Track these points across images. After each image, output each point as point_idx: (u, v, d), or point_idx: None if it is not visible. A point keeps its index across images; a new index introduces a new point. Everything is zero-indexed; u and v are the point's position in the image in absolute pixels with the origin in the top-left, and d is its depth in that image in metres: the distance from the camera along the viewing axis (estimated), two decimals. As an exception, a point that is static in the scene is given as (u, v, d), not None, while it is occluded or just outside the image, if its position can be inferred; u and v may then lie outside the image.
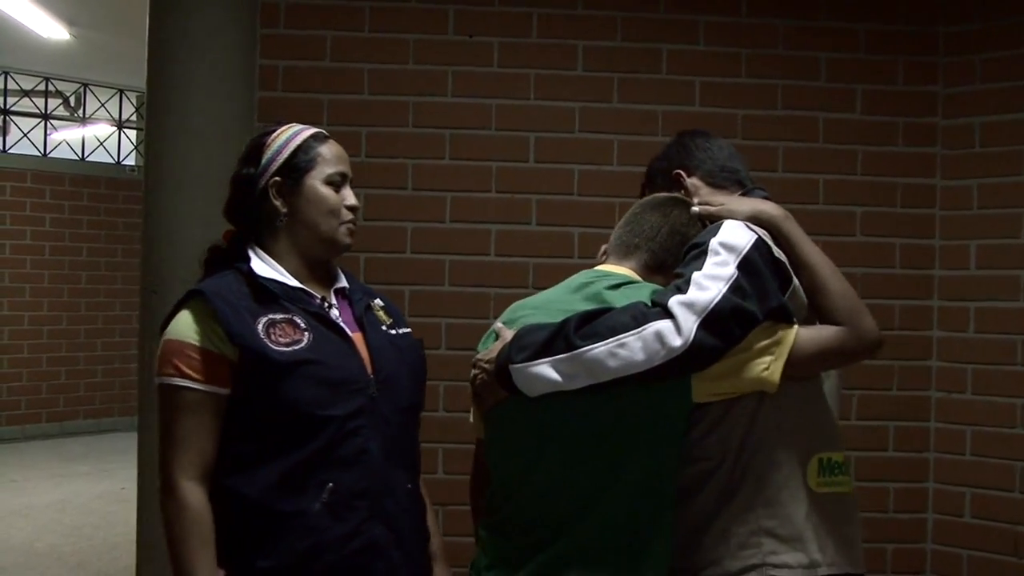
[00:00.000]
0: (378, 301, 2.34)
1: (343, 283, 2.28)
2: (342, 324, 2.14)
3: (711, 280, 1.87)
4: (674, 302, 1.83)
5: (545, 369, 1.86)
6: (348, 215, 2.20)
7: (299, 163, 2.17)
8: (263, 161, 2.16)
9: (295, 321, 2.05)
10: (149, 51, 4.14)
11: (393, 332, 2.26)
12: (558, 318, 1.92)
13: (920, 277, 4.44)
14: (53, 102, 10.21)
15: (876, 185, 4.43)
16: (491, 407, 2.02)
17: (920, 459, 4.43)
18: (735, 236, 1.97)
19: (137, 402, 4.01)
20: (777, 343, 1.89)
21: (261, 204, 2.15)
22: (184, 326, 2.04)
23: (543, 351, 1.87)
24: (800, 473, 2.01)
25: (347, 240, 2.21)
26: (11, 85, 9.85)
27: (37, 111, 10.08)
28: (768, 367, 1.87)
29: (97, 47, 8.47)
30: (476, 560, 2.07)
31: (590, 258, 4.24)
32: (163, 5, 4.11)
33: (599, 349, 1.82)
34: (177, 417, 1.98)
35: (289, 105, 4.27)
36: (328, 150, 2.24)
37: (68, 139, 10.43)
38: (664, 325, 1.81)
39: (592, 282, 2.10)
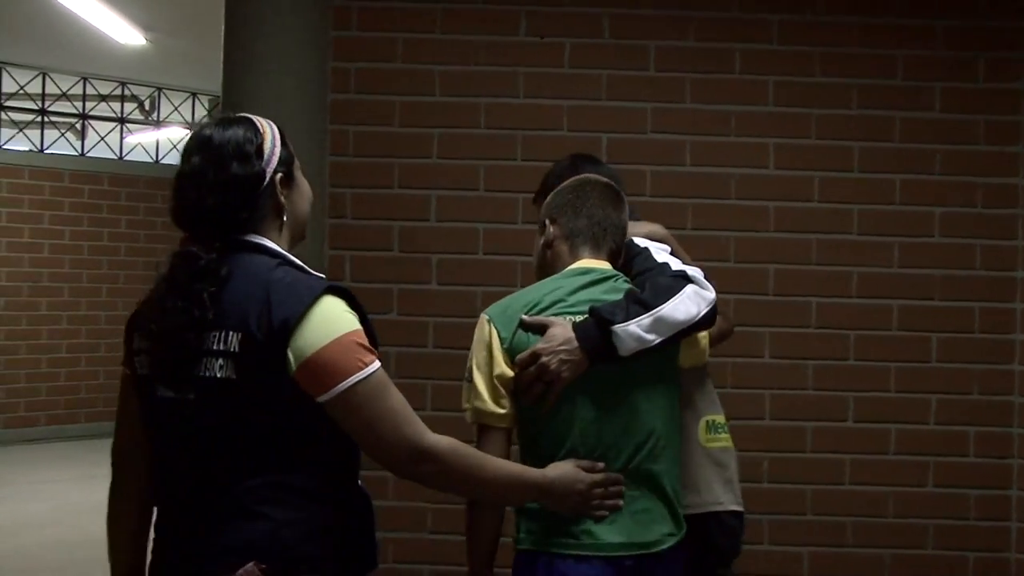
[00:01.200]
0: None
1: None
2: None
3: (688, 268, 2.42)
4: (688, 272, 2.38)
5: (635, 329, 2.21)
6: None
7: (288, 155, 2.10)
8: (265, 154, 2.01)
9: None
10: (224, 55, 4.19)
11: None
12: (585, 310, 2.28)
13: (1002, 279, 4.34)
14: (129, 106, 10.41)
15: (956, 185, 4.34)
16: (556, 397, 2.26)
17: (1003, 465, 4.33)
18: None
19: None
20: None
21: (265, 201, 1.99)
22: (348, 316, 1.91)
23: (629, 316, 2.22)
24: (695, 432, 2.64)
25: None
26: (89, 91, 10.06)
27: (114, 115, 10.28)
28: (705, 339, 2.51)
29: (172, 52, 8.61)
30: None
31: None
32: (238, 10, 4.16)
33: (668, 307, 2.26)
34: (391, 392, 1.88)
35: (361, 107, 4.30)
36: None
37: (143, 142, 10.62)
38: (695, 287, 2.34)
39: (599, 279, 2.38)
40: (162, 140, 10.71)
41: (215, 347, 1.84)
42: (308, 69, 4.17)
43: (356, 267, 4.28)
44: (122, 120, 10.35)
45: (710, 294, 2.35)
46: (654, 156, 4.32)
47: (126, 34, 7.92)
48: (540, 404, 2.26)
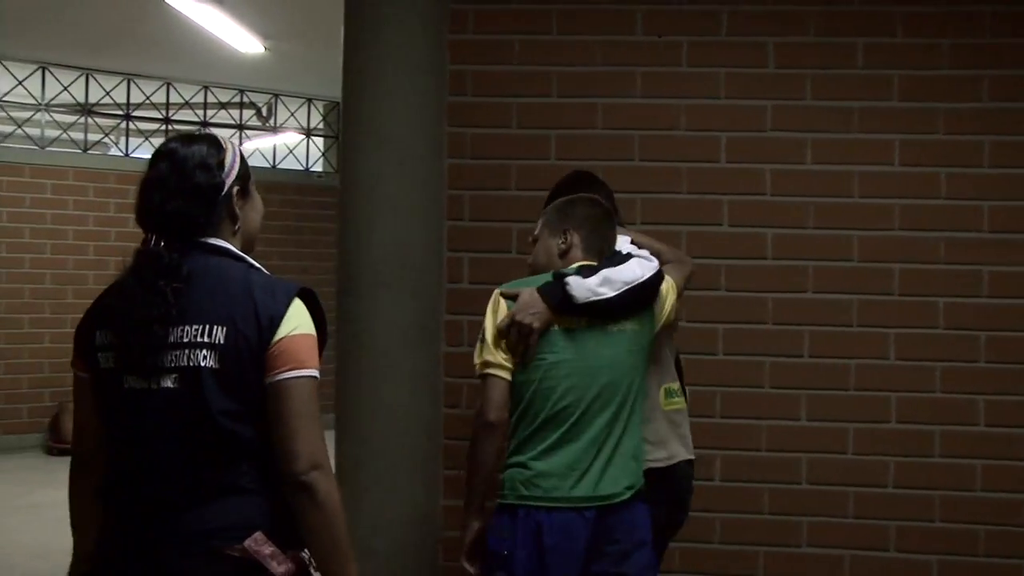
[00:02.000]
0: None
1: None
2: None
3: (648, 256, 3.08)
4: (633, 252, 3.04)
5: (585, 282, 2.81)
6: None
7: (246, 172, 2.25)
8: (226, 167, 2.19)
9: None
10: (344, 61, 4.26)
11: None
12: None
13: None
14: (247, 113, 10.67)
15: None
16: (535, 345, 2.82)
17: None
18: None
19: (334, 400, 4.13)
20: (670, 287, 3.12)
21: (222, 209, 2.17)
22: (310, 320, 2.15)
23: (581, 275, 2.84)
24: (656, 397, 3.20)
25: None
26: (210, 99, 10.34)
27: (233, 122, 10.55)
28: (671, 303, 3.12)
29: (288, 59, 8.80)
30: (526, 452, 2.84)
31: (785, 259, 4.18)
32: (357, 16, 4.22)
33: (613, 270, 2.86)
34: (317, 403, 2.09)
35: (478, 109, 4.33)
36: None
37: (260, 148, 10.88)
38: (638, 259, 2.98)
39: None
40: (279, 145, 10.95)
41: (198, 339, 2.02)
42: (425, 72, 4.20)
43: (474, 269, 4.30)
44: (241, 127, 10.61)
45: (653, 263, 2.99)
46: (774, 155, 4.25)
47: (246, 43, 8.11)
48: (525, 356, 2.82)
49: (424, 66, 4.18)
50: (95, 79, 9.63)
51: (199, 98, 10.32)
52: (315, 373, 2.07)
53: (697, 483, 3.51)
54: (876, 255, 4.21)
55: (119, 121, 10.02)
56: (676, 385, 3.34)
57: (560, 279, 2.83)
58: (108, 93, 9.77)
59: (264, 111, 10.85)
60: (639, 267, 2.91)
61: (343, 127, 4.30)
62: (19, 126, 9.53)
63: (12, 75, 9.24)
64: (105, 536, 2.09)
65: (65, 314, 9.44)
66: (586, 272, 2.85)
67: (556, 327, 2.83)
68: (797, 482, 4.23)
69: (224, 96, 10.45)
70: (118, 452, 2.10)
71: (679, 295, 3.18)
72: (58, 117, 9.73)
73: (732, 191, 4.25)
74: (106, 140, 10.42)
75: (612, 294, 2.82)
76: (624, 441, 2.84)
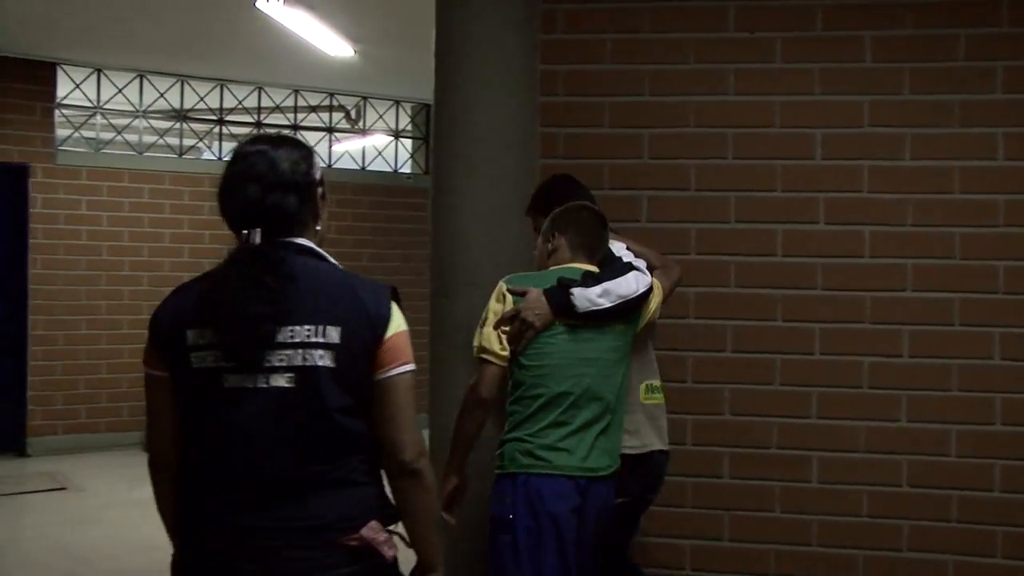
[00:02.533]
0: None
1: None
2: None
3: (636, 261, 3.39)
4: (634, 264, 3.33)
5: (587, 292, 3.11)
6: None
7: (323, 177, 2.28)
8: (315, 168, 2.23)
9: None
10: (436, 64, 4.29)
11: None
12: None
13: None
14: (336, 116, 10.79)
15: None
16: (531, 341, 3.13)
17: None
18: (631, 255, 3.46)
19: (428, 398, 4.16)
20: (656, 292, 3.42)
21: (309, 208, 2.20)
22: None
23: (584, 285, 3.13)
24: (637, 391, 3.46)
25: None
26: (300, 102, 10.49)
27: (322, 125, 10.69)
28: (655, 305, 3.44)
29: (377, 62, 8.87)
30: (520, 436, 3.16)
31: (884, 257, 4.10)
32: (448, 19, 4.25)
33: (613, 283, 3.15)
34: (415, 395, 2.23)
35: (570, 109, 4.33)
36: None
37: (349, 150, 11.00)
38: (636, 272, 3.26)
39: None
40: (367, 147, 11.06)
41: (311, 339, 2.06)
42: (517, 73, 4.21)
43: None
44: (330, 129, 10.74)
45: (647, 277, 3.29)
46: (872, 151, 4.18)
47: (336, 46, 8.20)
48: (518, 345, 3.13)
49: (516, 67, 4.19)
50: (190, 85, 9.83)
51: (289, 102, 10.47)
52: (414, 366, 2.16)
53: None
54: (979, 252, 4.11)
55: (212, 126, 10.22)
56: (658, 382, 3.62)
57: (566, 288, 3.13)
58: (202, 99, 9.96)
59: (353, 114, 10.97)
60: (635, 281, 3.22)
61: (435, 129, 4.33)
62: (119, 132, 9.77)
63: (113, 83, 9.49)
64: (195, 530, 2.12)
65: (162, 315, 9.67)
66: (590, 281, 3.16)
67: (556, 322, 3.16)
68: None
69: (314, 99, 10.59)
70: (213, 449, 2.09)
71: (664, 299, 3.55)
72: (155, 123, 9.96)
73: (828, 188, 4.19)
74: (200, 145, 10.62)
75: (608, 305, 3.14)
76: (610, 427, 3.20)
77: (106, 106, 9.61)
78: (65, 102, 9.44)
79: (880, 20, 4.18)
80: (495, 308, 3.20)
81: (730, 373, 4.23)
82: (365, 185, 10.70)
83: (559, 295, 3.12)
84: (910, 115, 4.16)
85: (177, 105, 9.88)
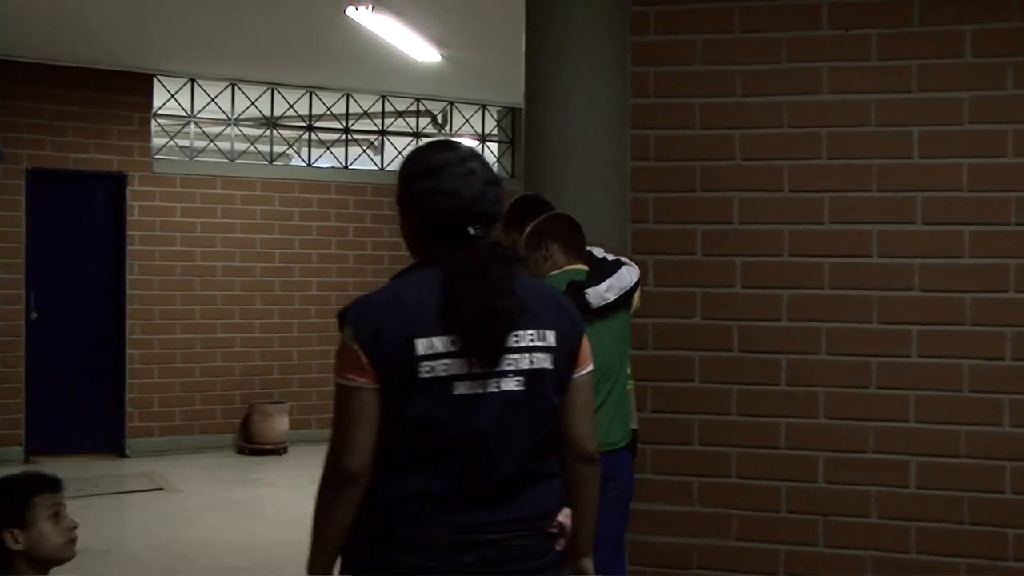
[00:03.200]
0: None
1: None
2: None
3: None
4: (623, 260, 3.70)
5: (598, 289, 3.50)
6: None
7: None
8: None
9: None
10: (526, 67, 4.31)
11: None
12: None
13: None
14: (423, 121, 10.89)
15: None
16: None
17: None
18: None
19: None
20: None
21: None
22: None
23: (593, 284, 3.49)
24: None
25: None
26: (387, 108, 10.61)
27: (409, 130, 10.79)
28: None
29: (464, 66, 8.93)
30: None
31: (984, 258, 4.01)
32: (538, 23, 4.27)
33: (615, 277, 3.55)
34: None
35: (661, 111, 4.31)
36: None
37: (436, 155, 11.09)
38: (627, 267, 3.64)
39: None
40: (453, 152, 11.14)
41: (534, 343, 2.13)
42: (608, 76, 4.22)
43: (658, 271, 4.29)
44: (417, 134, 10.84)
45: (635, 269, 3.66)
46: (972, 148, 4.09)
47: (423, 52, 8.28)
48: None
49: (607, 70, 4.20)
50: (280, 93, 10.01)
51: (377, 107, 10.59)
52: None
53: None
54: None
55: (302, 133, 10.39)
56: (629, 370, 3.88)
57: (579, 288, 3.46)
58: (291, 106, 10.13)
59: (439, 118, 11.06)
60: (628, 274, 3.62)
61: (526, 133, 4.35)
62: (211, 140, 9.99)
63: (206, 93, 9.71)
64: (401, 538, 2.10)
65: (253, 319, 9.85)
66: (595, 279, 3.53)
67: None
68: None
69: (401, 105, 10.69)
70: (441, 456, 2.09)
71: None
72: (246, 131, 10.16)
73: (926, 187, 4.11)
74: (289, 151, 10.81)
75: (615, 297, 3.54)
76: (621, 404, 3.60)
77: (199, 115, 9.83)
78: (161, 112, 9.68)
79: (980, 14, 4.09)
80: None
81: (825, 376, 4.17)
82: (452, 189, 10.77)
83: (576, 296, 3.41)
84: (1013, 111, 4.06)
85: (267, 113, 10.07)
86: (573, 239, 3.64)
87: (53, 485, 2.94)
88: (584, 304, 3.40)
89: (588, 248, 3.69)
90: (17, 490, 2.87)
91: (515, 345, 2.10)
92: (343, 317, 2.13)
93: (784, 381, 4.21)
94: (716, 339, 4.26)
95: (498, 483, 2.12)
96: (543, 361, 2.14)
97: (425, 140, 10.79)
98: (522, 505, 2.15)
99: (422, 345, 2.06)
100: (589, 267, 3.62)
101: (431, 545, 2.09)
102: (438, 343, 2.06)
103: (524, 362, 2.12)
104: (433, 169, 2.19)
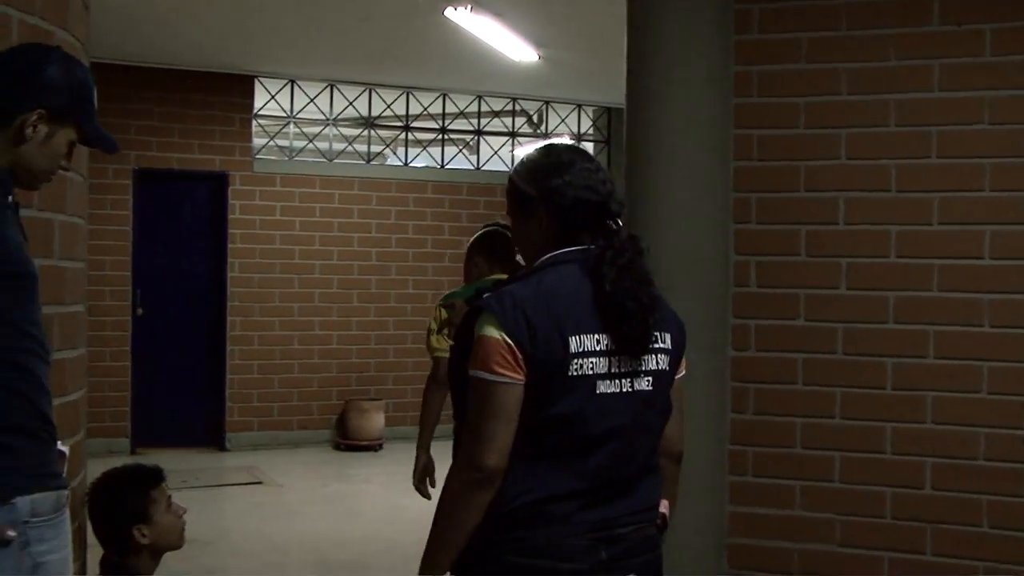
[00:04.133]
0: None
1: None
2: None
3: None
4: None
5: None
6: None
7: None
8: None
9: None
10: (628, 66, 4.29)
11: None
12: None
13: None
14: (519, 120, 10.91)
15: None
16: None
17: None
18: None
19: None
20: None
21: None
22: None
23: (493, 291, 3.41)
24: None
25: None
26: (483, 108, 10.66)
27: (505, 129, 10.83)
28: None
29: (561, 66, 8.92)
30: None
31: None
32: (641, 21, 4.24)
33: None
34: None
35: (765, 110, 4.25)
36: None
37: (531, 154, 11.10)
38: None
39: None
40: (549, 151, 11.13)
41: (659, 344, 2.20)
42: (711, 76, 4.17)
43: (761, 272, 4.23)
44: (513, 134, 10.87)
45: None
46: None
47: (520, 52, 8.30)
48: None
49: (710, 70, 4.16)
50: (377, 93, 10.12)
51: (473, 107, 10.65)
52: None
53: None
54: None
55: (399, 132, 10.50)
56: None
57: (479, 293, 3.66)
58: (389, 106, 10.25)
59: (535, 118, 11.07)
60: None
61: (627, 132, 4.33)
62: (310, 140, 10.15)
63: (305, 93, 9.87)
64: (541, 536, 2.10)
65: (350, 317, 9.98)
66: (500, 286, 3.88)
67: None
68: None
69: (497, 104, 10.74)
70: (583, 452, 2.11)
71: None
72: (344, 131, 10.31)
73: (1042, 187, 3.98)
74: (386, 151, 10.93)
75: None
76: None
77: (299, 115, 10.00)
78: (261, 113, 9.87)
79: (1100, 8, 3.95)
80: (435, 318, 4.19)
81: (934, 380, 4.07)
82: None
83: (474, 299, 3.66)
84: None
85: (365, 113, 10.19)
86: (495, 252, 4.13)
87: (160, 476, 3.03)
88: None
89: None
90: (135, 487, 2.96)
91: (652, 346, 2.18)
92: (483, 310, 2.13)
93: (890, 384, 4.11)
94: (820, 341, 4.18)
95: (632, 478, 2.20)
96: (664, 362, 2.22)
97: (521, 140, 10.89)
98: (642, 497, 2.22)
99: (574, 343, 2.08)
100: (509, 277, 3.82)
101: (572, 547, 2.11)
102: (588, 341, 2.09)
103: (653, 362, 2.19)
104: (565, 166, 2.21)
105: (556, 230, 2.19)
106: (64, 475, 2.24)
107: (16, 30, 2.42)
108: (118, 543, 2.92)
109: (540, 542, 2.10)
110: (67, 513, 2.21)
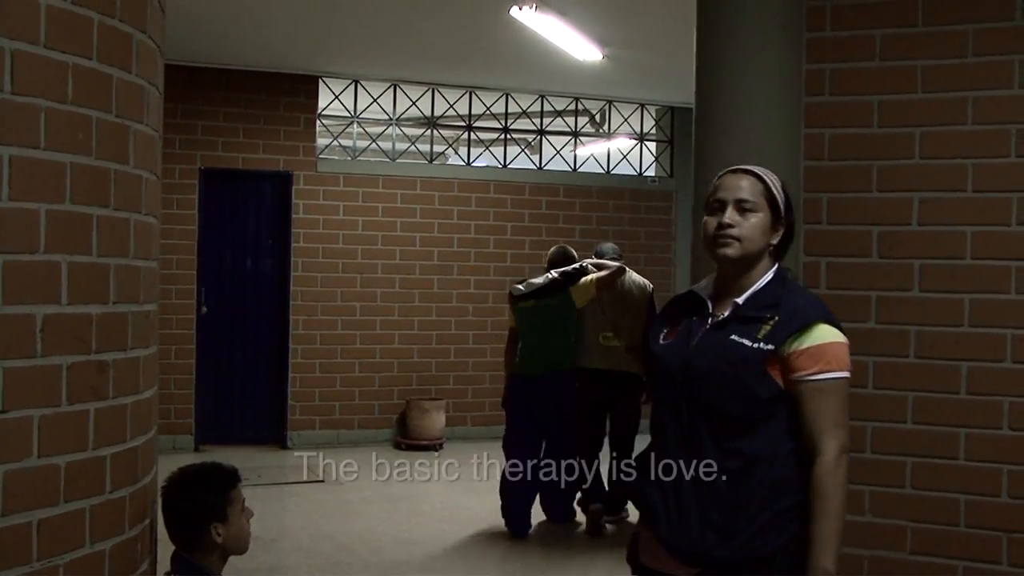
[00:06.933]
0: (774, 315, 2.56)
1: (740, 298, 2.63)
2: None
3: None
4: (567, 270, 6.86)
5: (520, 286, 6.95)
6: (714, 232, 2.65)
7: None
8: None
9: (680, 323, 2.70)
10: (697, 64, 4.24)
11: (733, 338, 2.55)
12: None
13: None
14: (581, 120, 10.87)
15: None
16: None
17: None
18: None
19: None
20: (591, 280, 6.78)
21: None
22: None
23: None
24: (593, 338, 6.89)
25: (717, 252, 2.63)
26: (545, 107, 10.63)
27: (567, 129, 10.80)
28: (588, 288, 6.77)
29: (624, 65, 8.87)
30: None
31: None
32: (711, 18, 4.19)
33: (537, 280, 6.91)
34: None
35: (837, 109, 4.17)
36: (718, 181, 2.74)
37: (595, 153, 11.05)
38: (548, 275, 6.92)
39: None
40: (612, 151, 11.08)
41: None
42: (782, 74, 4.11)
43: (832, 274, 4.15)
44: (575, 133, 10.83)
45: (565, 272, 6.79)
46: None
47: (585, 51, 8.26)
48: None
49: (781, 68, 4.09)
50: (440, 93, 10.14)
51: (535, 107, 10.63)
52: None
53: None
54: None
55: (461, 132, 10.51)
56: (610, 334, 6.81)
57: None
58: (451, 106, 10.26)
59: (597, 117, 11.02)
60: (544, 280, 6.63)
61: (696, 132, 4.28)
62: (373, 140, 10.20)
63: (368, 94, 9.92)
64: None
65: (411, 316, 10.01)
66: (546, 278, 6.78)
67: (519, 303, 6.81)
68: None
69: (559, 104, 10.71)
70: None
71: (597, 285, 6.72)
72: (407, 130, 10.34)
73: None
74: (449, 151, 10.95)
75: (525, 290, 6.77)
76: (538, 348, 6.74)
77: (362, 115, 10.05)
78: (325, 113, 9.93)
79: None
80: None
81: (1010, 385, 3.97)
82: (609, 188, 10.74)
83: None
84: None
85: (428, 113, 10.22)
86: (550, 263, 6.94)
87: (238, 477, 3.04)
88: (509, 293, 7.02)
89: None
90: (215, 486, 2.97)
91: None
92: (832, 322, 2.56)
93: (964, 389, 4.02)
94: (892, 344, 4.09)
95: None
96: None
97: (583, 140, 10.84)
98: None
99: None
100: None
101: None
102: None
103: None
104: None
105: (779, 245, 2.70)
106: None
107: (96, 31, 2.43)
108: (191, 541, 2.93)
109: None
110: None
